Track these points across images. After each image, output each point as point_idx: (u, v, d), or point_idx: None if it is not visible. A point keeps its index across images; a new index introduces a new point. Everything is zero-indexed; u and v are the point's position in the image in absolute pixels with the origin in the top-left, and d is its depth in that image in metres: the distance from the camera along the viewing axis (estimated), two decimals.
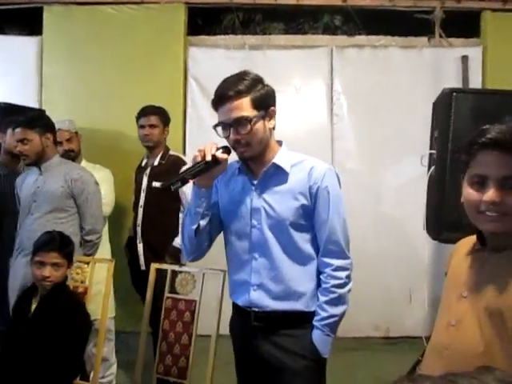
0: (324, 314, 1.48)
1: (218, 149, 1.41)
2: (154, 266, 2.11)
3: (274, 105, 1.50)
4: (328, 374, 1.59)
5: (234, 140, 1.43)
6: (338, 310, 1.48)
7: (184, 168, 1.47)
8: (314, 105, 3.78)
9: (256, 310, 1.52)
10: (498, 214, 0.98)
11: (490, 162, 0.97)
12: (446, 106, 2.10)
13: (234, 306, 1.61)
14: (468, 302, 1.04)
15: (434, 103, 2.39)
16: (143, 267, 2.76)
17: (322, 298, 1.48)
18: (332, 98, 3.77)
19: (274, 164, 1.50)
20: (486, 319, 0.99)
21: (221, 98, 1.42)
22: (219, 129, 1.46)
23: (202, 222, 1.49)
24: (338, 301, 1.48)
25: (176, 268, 2.08)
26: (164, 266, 2.12)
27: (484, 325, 0.99)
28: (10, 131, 2.63)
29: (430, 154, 2.34)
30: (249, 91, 1.42)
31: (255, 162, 1.52)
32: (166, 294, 2.01)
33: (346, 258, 1.51)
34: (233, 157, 1.48)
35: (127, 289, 2.98)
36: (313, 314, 1.50)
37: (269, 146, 1.50)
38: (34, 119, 2.48)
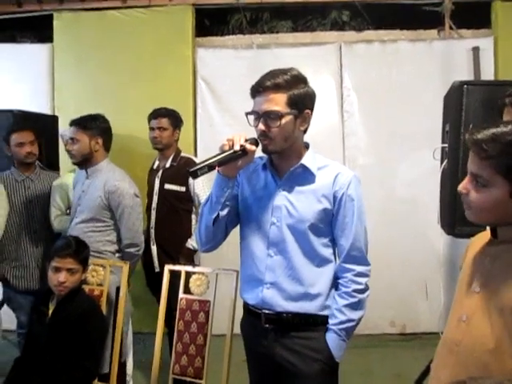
0: (342, 318, 1.46)
1: (246, 140, 1.42)
2: (167, 267, 2.12)
3: (311, 108, 1.48)
4: (344, 372, 1.59)
5: (260, 131, 1.44)
6: (355, 315, 1.48)
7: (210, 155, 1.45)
8: (325, 102, 3.74)
9: (267, 311, 1.51)
10: (467, 205, 1.05)
11: (470, 157, 1.05)
12: (457, 98, 2.07)
13: (245, 307, 1.61)
14: (479, 297, 1.03)
15: (445, 96, 2.36)
16: (157, 269, 2.78)
17: (342, 302, 1.47)
18: (342, 95, 3.76)
19: (302, 165, 1.49)
20: (497, 315, 0.98)
21: (258, 88, 1.43)
22: (251, 117, 1.46)
23: (222, 213, 1.49)
24: (357, 305, 1.48)
25: (190, 269, 2.09)
26: (178, 267, 2.13)
27: (494, 321, 0.98)
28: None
29: (442, 148, 2.31)
30: (288, 87, 1.41)
31: (281, 160, 1.51)
32: (180, 295, 2.02)
33: (367, 264, 1.51)
34: (256, 153, 1.47)
35: (142, 290, 3.01)
36: (324, 317, 1.50)
37: (295, 146, 1.49)
38: (86, 120, 2.47)
